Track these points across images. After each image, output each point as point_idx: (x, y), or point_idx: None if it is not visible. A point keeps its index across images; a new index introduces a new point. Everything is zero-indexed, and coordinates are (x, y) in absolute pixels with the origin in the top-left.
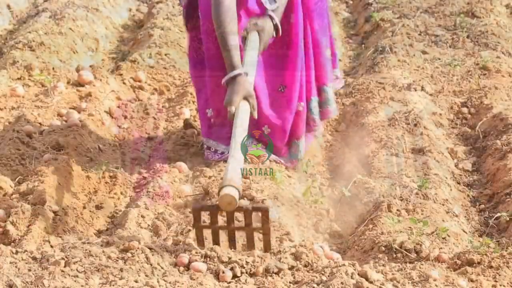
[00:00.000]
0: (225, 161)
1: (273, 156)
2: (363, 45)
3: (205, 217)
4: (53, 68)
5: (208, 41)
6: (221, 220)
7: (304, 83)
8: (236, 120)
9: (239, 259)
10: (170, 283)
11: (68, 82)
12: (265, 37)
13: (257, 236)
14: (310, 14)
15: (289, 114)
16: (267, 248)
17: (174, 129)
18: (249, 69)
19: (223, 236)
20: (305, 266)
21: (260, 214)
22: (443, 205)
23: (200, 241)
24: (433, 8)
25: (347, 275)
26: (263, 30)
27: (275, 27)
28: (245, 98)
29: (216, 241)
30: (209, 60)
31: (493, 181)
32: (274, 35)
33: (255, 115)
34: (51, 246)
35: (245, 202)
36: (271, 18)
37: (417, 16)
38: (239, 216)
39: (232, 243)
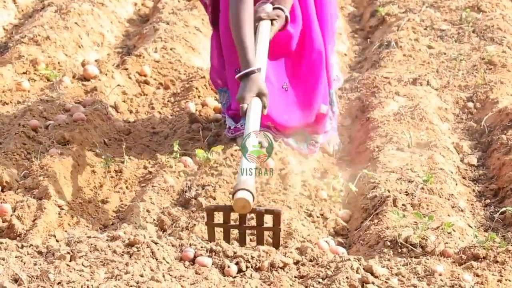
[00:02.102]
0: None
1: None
2: (368, 40)
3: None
4: (58, 63)
5: (226, 37)
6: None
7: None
8: (248, 118)
9: (244, 254)
10: (175, 277)
11: (73, 77)
12: (276, 25)
13: (267, 234)
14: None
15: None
16: (276, 246)
17: (180, 123)
18: (261, 63)
19: (233, 234)
20: (311, 260)
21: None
22: (448, 199)
23: (212, 238)
24: (438, 3)
25: (353, 269)
26: (277, 18)
27: (286, 18)
28: (258, 95)
29: (226, 239)
30: (228, 57)
31: (499, 176)
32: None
33: (265, 113)
34: (57, 241)
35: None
36: (281, 9)
37: (423, 10)
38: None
39: (242, 240)
